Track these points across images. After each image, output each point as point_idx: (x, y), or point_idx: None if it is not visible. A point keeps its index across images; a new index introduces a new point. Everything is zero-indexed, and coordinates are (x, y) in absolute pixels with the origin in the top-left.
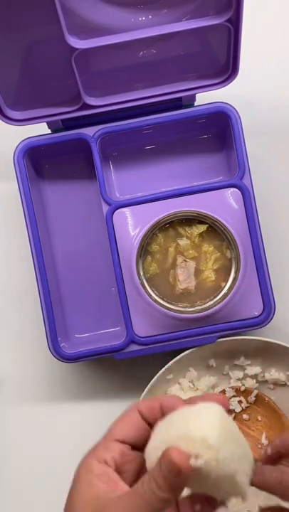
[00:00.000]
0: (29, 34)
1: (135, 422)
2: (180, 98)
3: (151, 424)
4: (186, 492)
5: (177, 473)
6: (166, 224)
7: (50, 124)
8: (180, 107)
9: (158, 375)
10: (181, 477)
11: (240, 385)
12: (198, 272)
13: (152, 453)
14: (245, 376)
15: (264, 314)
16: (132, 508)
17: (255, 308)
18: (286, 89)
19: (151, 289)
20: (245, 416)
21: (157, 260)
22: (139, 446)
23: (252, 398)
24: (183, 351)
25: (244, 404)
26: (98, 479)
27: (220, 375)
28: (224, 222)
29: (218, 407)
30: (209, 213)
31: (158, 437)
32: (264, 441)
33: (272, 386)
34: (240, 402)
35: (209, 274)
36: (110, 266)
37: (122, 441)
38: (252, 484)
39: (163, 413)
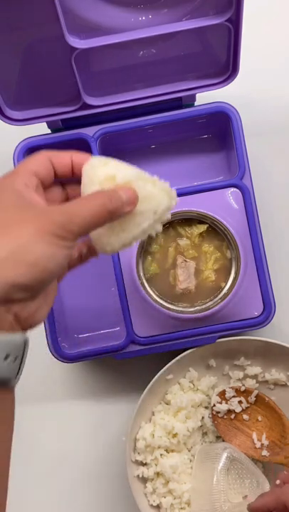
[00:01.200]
0: (29, 34)
1: (45, 162)
2: (180, 98)
3: (57, 174)
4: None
5: (133, 201)
6: (166, 224)
7: (50, 124)
8: (180, 107)
9: (158, 375)
10: (133, 204)
11: (240, 385)
12: (198, 272)
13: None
14: (246, 376)
15: (264, 314)
16: (60, 220)
17: (255, 309)
18: (286, 89)
19: (152, 289)
20: (245, 416)
21: (157, 260)
22: (48, 185)
23: (252, 398)
24: (183, 351)
25: (244, 405)
26: (24, 187)
27: (220, 375)
28: (224, 222)
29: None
30: (209, 213)
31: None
32: (264, 441)
33: (272, 386)
34: (240, 402)
35: (209, 274)
36: (110, 266)
37: (35, 175)
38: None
39: (73, 168)
